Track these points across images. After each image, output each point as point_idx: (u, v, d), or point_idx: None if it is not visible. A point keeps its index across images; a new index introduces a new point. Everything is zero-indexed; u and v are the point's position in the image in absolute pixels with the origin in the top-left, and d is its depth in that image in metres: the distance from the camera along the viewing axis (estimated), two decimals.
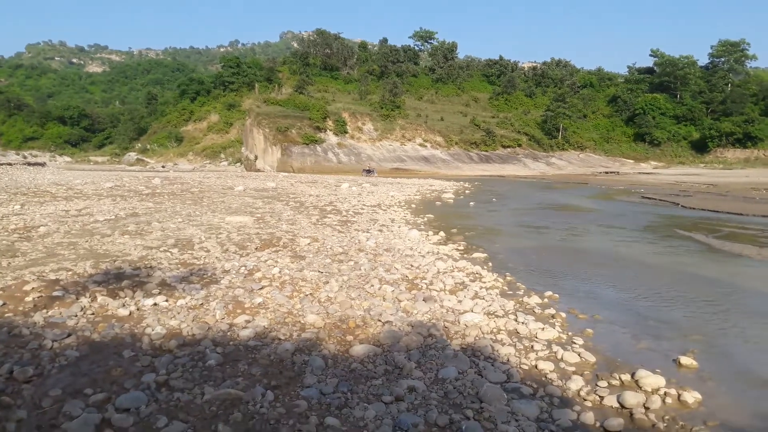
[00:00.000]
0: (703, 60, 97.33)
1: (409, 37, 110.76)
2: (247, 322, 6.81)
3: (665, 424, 4.94)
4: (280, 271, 9.47)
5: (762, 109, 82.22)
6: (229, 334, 6.42)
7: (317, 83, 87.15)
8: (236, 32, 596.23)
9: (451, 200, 29.03)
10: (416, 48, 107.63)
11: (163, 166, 71.42)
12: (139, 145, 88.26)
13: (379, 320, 7.16)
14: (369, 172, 55.84)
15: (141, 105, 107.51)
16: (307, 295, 8.13)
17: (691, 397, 5.42)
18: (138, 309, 7.14)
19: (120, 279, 8.49)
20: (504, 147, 76.99)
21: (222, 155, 78.28)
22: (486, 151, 75.20)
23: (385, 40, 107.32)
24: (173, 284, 8.35)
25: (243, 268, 9.66)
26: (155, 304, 7.30)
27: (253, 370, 5.42)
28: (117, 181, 31.29)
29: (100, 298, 7.40)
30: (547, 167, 73.27)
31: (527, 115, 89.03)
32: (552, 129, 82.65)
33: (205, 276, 9.01)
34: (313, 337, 6.42)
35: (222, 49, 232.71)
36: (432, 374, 5.65)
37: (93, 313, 6.90)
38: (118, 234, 12.56)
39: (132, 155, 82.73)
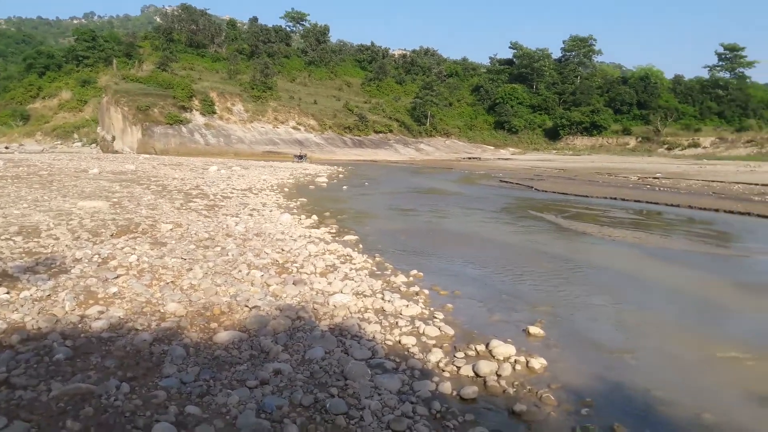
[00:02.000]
0: (556, 53, 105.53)
1: (281, 18, 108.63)
2: (101, 312, 6.40)
3: (515, 389, 5.37)
4: (138, 259, 8.96)
5: (606, 101, 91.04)
6: (80, 326, 6.01)
7: (182, 60, 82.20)
8: (91, 3, 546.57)
9: (325, 184, 29.10)
10: (288, 29, 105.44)
11: (6, 147, 63.65)
12: None
13: (246, 306, 7.05)
14: (301, 158, 53.28)
15: None
16: (168, 283, 7.77)
17: (538, 363, 5.93)
18: None
19: None
20: (376, 132, 78.24)
21: (75, 135, 71.61)
22: (359, 135, 75.98)
23: (255, 19, 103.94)
24: (16, 275, 7.62)
25: (96, 256, 9.02)
26: None
27: (106, 363, 5.13)
28: None
29: None
30: (417, 153, 75.66)
31: (398, 101, 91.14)
32: (421, 116, 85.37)
33: (53, 265, 8.31)
34: (173, 326, 6.18)
35: (75, 21, 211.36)
36: (299, 356, 5.68)
37: None
38: None
39: None
